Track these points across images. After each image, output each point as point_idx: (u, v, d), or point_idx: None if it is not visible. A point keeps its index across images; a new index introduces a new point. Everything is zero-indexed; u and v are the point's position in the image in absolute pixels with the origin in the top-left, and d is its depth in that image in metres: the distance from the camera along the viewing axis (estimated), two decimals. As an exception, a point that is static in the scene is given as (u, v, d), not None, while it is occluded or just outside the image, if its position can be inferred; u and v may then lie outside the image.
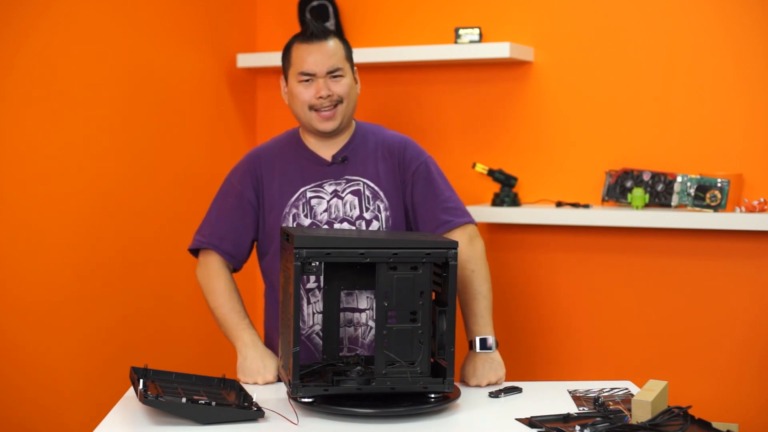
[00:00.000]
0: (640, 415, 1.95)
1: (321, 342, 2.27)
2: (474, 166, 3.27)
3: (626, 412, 2.02)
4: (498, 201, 3.25)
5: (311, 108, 2.41)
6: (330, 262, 2.05)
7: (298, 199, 2.43)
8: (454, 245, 2.06)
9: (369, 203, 2.43)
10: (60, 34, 2.84)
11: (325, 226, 2.41)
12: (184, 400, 1.93)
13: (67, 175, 2.87)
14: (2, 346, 2.70)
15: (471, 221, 2.49)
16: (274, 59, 3.55)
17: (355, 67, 2.51)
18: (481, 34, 3.25)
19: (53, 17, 2.82)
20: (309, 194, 2.43)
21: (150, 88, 3.20)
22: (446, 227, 2.45)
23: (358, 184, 2.44)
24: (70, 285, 2.89)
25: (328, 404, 1.99)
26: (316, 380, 2.09)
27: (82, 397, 2.91)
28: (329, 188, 2.44)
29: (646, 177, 3.11)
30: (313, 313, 2.38)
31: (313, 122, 2.43)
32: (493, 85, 3.37)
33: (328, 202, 2.43)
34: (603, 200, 3.19)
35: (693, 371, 3.12)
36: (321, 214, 2.42)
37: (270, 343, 2.52)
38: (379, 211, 2.43)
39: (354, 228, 2.41)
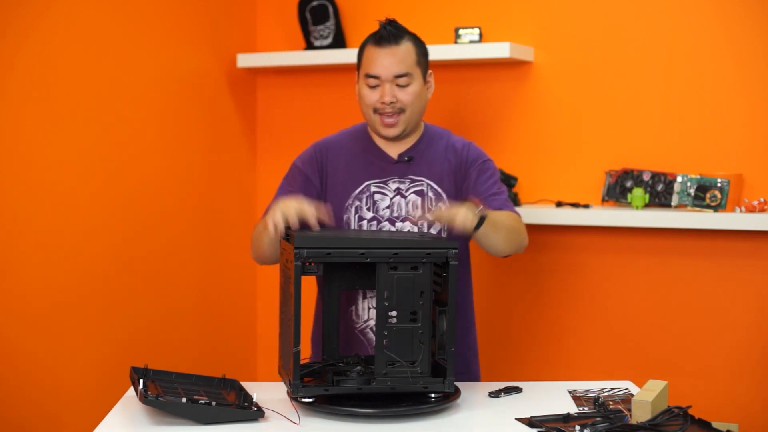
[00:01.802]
0: (640, 415, 1.95)
1: (374, 337, 2.24)
2: (474, 166, 3.28)
3: (626, 412, 2.02)
4: (498, 201, 3.25)
5: (375, 111, 2.41)
6: (330, 262, 2.04)
7: (362, 192, 2.44)
8: (454, 245, 2.06)
9: (432, 204, 2.44)
10: (60, 34, 2.84)
11: (386, 223, 2.42)
12: (184, 400, 1.93)
13: (66, 175, 2.87)
14: (3, 347, 2.69)
15: (517, 213, 2.48)
16: (274, 59, 3.56)
17: (429, 70, 2.50)
18: (481, 34, 3.25)
19: (53, 17, 2.82)
20: (373, 188, 2.44)
21: (150, 88, 3.19)
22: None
23: (422, 185, 2.45)
24: (70, 285, 2.89)
25: (328, 404, 1.99)
26: (317, 380, 2.09)
27: (82, 397, 2.91)
28: (393, 186, 2.45)
29: (646, 177, 3.11)
30: (368, 308, 2.40)
31: (377, 126, 2.44)
32: (493, 85, 3.37)
33: (392, 199, 2.44)
34: (603, 200, 3.19)
35: (693, 371, 3.12)
36: (383, 210, 2.43)
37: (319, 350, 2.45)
38: None
39: (415, 228, 2.42)
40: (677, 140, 3.13)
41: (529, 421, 1.99)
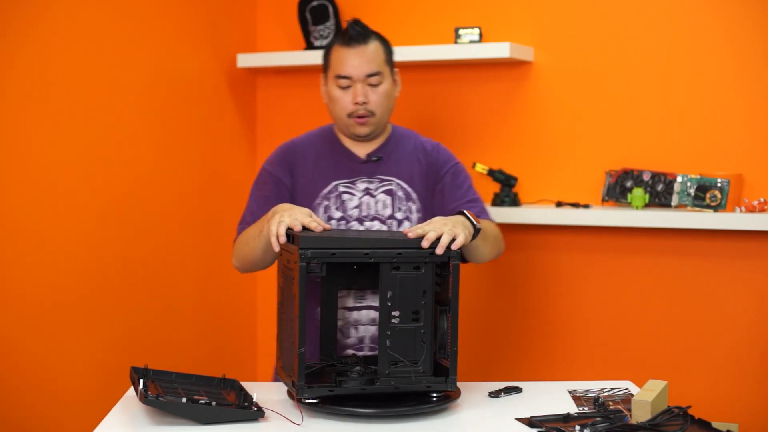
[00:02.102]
0: (640, 415, 1.95)
1: (353, 337, 2.23)
2: (474, 166, 3.27)
3: (626, 412, 2.02)
4: (498, 201, 3.25)
5: (349, 114, 2.43)
6: (334, 262, 2.04)
7: (330, 192, 2.45)
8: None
9: (401, 203, 2.45)
10: (60, 35, 2.84)
11: (355, 222, 2.43)
12: (184, 400, 1.93)
13: (66, 174, 2.87)
14: (2, 347, 2.69)
15: (494, 221, 2.51)
16: (274, 59, 3.56)
17: (396, 68, 2.53)
18: (481, 34, 3.25)
19: (53, 17, 2.82)
20: (341, 188, 2.45)
21: (150, 88, 3.19)
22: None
23: (391, 184, 2.46)
24: (70, 285, 2.89)
25: (329, 404, 1.99)
26: (317, 381, 2.08)
27: (82, 397, 2.91)
28: (361, 185, 2.46)
29: (646, 177, 3.11)
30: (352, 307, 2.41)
31: (350, 127, 2.45)
32: (493, 85, 3.37)
33: (360, 198, 2.44)
34: (603, 200, 3.19)
35: (693, 371, 3.12)
36: (352, 209, 2.44)
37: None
38: (411, 212, 2.46)
39: (384, 227, 2.43)
40: (677, 140, 3.13)
41: (529, 421, 1.98)
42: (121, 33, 3.06)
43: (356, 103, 2.41)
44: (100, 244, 2.99)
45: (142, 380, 2.00)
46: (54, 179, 2.83)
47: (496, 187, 3.32)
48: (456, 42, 3.27)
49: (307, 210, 2.13)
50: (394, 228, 2.45)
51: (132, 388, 2.18)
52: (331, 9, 3.50)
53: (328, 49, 2.48)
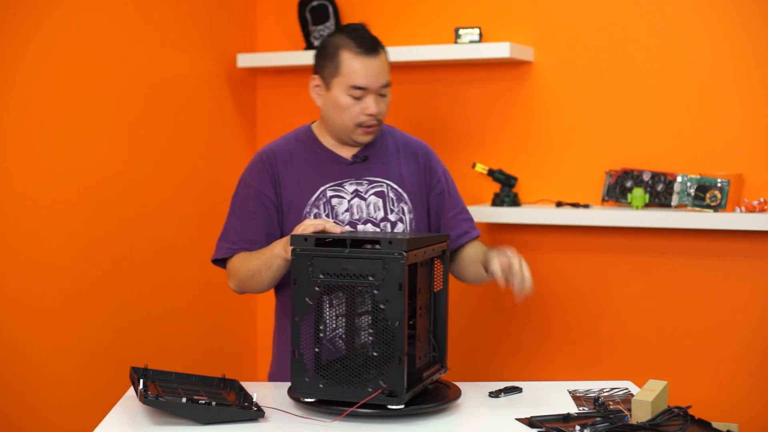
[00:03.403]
0: (640, 415, 1.95)
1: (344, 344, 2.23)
2: (474, 166, 3.27)
3: (626, 412, 2.02)
4: (498, 201, 3.25)
5: (359, 124, 2.36)
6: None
7: (318, 198, 2.39)
8: (446, 238, 2.20)
9: (393, 205, 2.41)
10: (60, 35, 2.84)
11: (347, 227, 2.37)
12: (184, 400, 1.93)
13: (66, 175, 2.87)
14: (2, 347, 2.69)
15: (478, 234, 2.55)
16: (274, 59, 3.55)
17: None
18: (481, 34, 3.25)
19: (53, 18, 2.82)
20: (329, 193, 2.39)
21: (150, 88, 3.20)
22: (467, 237, 2.49)
23: (382, 186, 2.42)
24: (70, 285, 2.89)
25: (329, 404, 1.99)
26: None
27: (82, 397, 2.91)
28: (350, 188, 2.40)
29: (646, 177, 3.11)
30: (336, 316, 2.39)
31: (354, 135, 2.38)
32: (493, 85, 3.37)
33: (349, 201, 2.39)
34: (603, 200, 3.19)
35: (693, 371, 3.12)
36: (342, 214, 2.38)
37: (282, 370, 2.43)
38: (404, 213, 2.42)
39: (378, 230, 2.39)
40: (677, 140, 3.13)
41: (529, 421, 1.98)
42: (121, 33, 3.06)
43: (369, 114, 2.34)
44: (100, 243, 2.99)
45: (142, 380, 2.00)
46: (54, 179, 2.83)
47: (496, 187, 3.32)
48: (456, 42, 3.27)
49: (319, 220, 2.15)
50: (388, 230, 2.41)
51: (132, 388, 2.18)
52: (331, 9, 3.50)
53: (334, 53, 2.35)
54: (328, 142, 2.45)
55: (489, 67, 3.36)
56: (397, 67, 3.47)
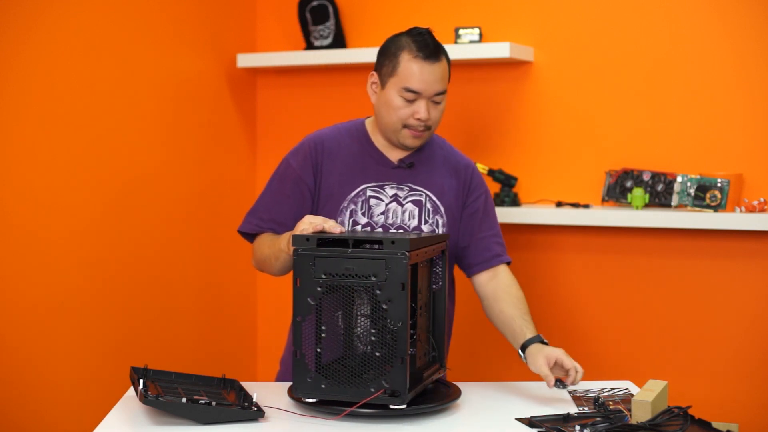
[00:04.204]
0: (640, 415, 1.95)
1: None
2: (474, 166, 3.28)
3: (626, 412, 2.02)
4: (498, 201, 3.25)
5: (406, 125, 2.35)
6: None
7: (357, 195, 2.38)
8: (446, 237, 2.21)
9: (429, 216, 2.40)
10: (60, 35, 2.84)
11: (379, 230, 2.36)
12: (184, 400, 1.93)
13: (66, 175, 2.87)
14: (2, 347, 2.70)
15: (509, 260, 2.54)
16: (274, 59, 3.55)
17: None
18: (481, 34, 3.25)
19: (53, 18, 2.82)
20: (369, 192, 2.38)
21: (150, 88, 3.20)
22: (498, 260, 2.48)
23: (421, 195, 2.40)
24: (70, 285, 2.89)
25: (329, 404, 1.99)
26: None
27: (82, 397, 2.91)
28: (390, 191, 2.39)
29: (646, 177, 3.11)
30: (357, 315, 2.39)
31: (401, 137, 2.37)
32: (493, 85, 3.37)
33: (387, 205, 2.38)
34: (603, 200, 3.19)
35: (693, 371, 3.12)
36: (378, 215, 2.37)
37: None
38: (437, 225, 2.40)
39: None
40: (677, 140, 3.13)
41: (529, 421, 1.99)
42: (121, 33, 3.07)
43: (418, 119, 2.33)
44: (100, 244, 2.99)
45: (142, 380, 2.00)
46: (54, 179, 2.83)
47: (496, 187, 3.32)
48: (456, 42, 3.27)
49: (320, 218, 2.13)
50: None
51: (132, 388, 2.18)
52: (331, 9, 3.50)
53: (395, 53, 2.32)
54: (379, 141, 2.43)
55: (489, 67, 3.36)
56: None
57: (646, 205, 3.11)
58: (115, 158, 3.05)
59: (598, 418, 1.99)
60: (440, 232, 2.40)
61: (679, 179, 3.04)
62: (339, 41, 3.51)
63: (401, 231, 2.37)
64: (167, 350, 3.27)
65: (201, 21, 3.45)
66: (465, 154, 3.37)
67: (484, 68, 3.37)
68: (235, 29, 3.65)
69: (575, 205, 3.20)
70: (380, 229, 2.36)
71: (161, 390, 2.04)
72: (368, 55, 3.34)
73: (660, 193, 3.09)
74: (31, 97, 2.76)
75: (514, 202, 3.25)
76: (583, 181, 3.25)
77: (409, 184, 2.40)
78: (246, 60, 3.57)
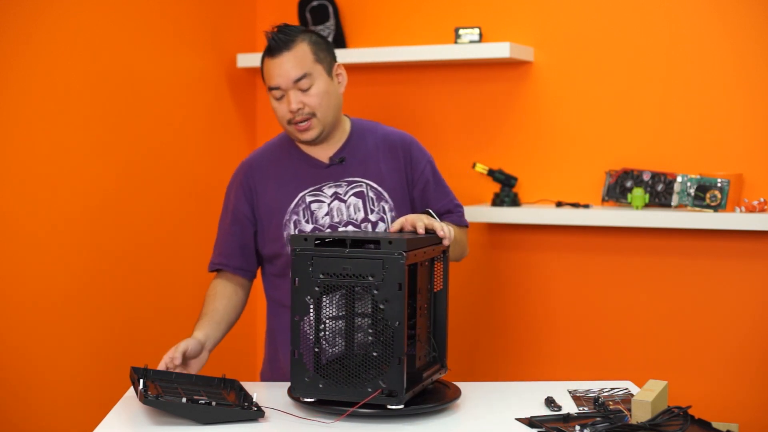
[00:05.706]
0: (640, 415, 1.95)
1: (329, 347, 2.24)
2: (474, 166, 3.28)
3: (626, 412, 2.02)
4: (498, 201, 3.25)
5: (290, 122, 2.36)
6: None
7: (297, 204, 2.39)
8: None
9: (374, 204, 2.40)
10: (60, 35, 2.84)
11: (328, 230, 2.37)
12: (184, 400, 1.93)
13: (66, 175, 2.87)
14: (2, 347, 2.70)
15: (467, 224, 2.56)
16: (274, 59, 3.55)
17: (336, 63, 2.43)
18: (481, 34, 3.25)
19: (53, 18, 2.82)
20: (308, 198, 2.39)
21: (150, 88, 3.20)
22: (458, 226, 2.49)
23: (361, 186, 2.40)
24: (69, 285, 2.89)
25: (328, 404, 1.99)
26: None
27: (82, 397, 2.91)
28: (329, 191, 2.39)
29: (646, 177, 3.11)
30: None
31: (293, 135, 2.39)
32: (493, 85, 3.37)
33: (329, 205, 2.38)
34: (603, 200, 3.19)
35: (693, 371, 3.12)
36: (323, 218, 2.37)
37: (278, 367, 2.48)
38: (384, 212, 2.40)
39: (358, 231, 2.38)
40: (677, 140, 3.13)
41: (529, 421, 1.99)
42: (121, 33, 3.07)
43: (292, 111, 2.34)
44: (99, 243, 2.99)
45: (142, 380, 2.00)
46: (54, 179, 2.83)
47: (496, 187, 3.32)
48: (456, 42, 3.27)
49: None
50: (369, 231, 2.40)
51: (132, 388, 2.18)
52: (331, 9, 3.50)
53: (261, 63, 2.40)
54: (305, 146, 2.45)
55: (489, 67, 3.36)
56: (398, 67, 3.48)
57: (646, 205, 3.11)
58: (115, 158, 3.05)
59: (598, 418, 1.99)
60: (388, 218, 2.41)
61: (679, 179, 3.04)
62: (339, 41, 3.51)
63: (350, 227, 2.39)
64: (167, 350, 3.26)
65: (201, 21, 3.45)
66: (465, 154, 3.39)
67: (484, 68, 3.37)
68: (235, 29, 3.65)
69: (575, 205, 3.20)
70: (329, 230, 2.37)
71: (161, 390, 2.04)
72: (368, 55, 3.34)
73: (660, 193, 3.09)
74: (31, 97, 2.76)
75: (514, 202, 3.25)
76: (583, 181, 3.25)
77: (346, 179, 2.41)
78: (246, 60, 3.57)
